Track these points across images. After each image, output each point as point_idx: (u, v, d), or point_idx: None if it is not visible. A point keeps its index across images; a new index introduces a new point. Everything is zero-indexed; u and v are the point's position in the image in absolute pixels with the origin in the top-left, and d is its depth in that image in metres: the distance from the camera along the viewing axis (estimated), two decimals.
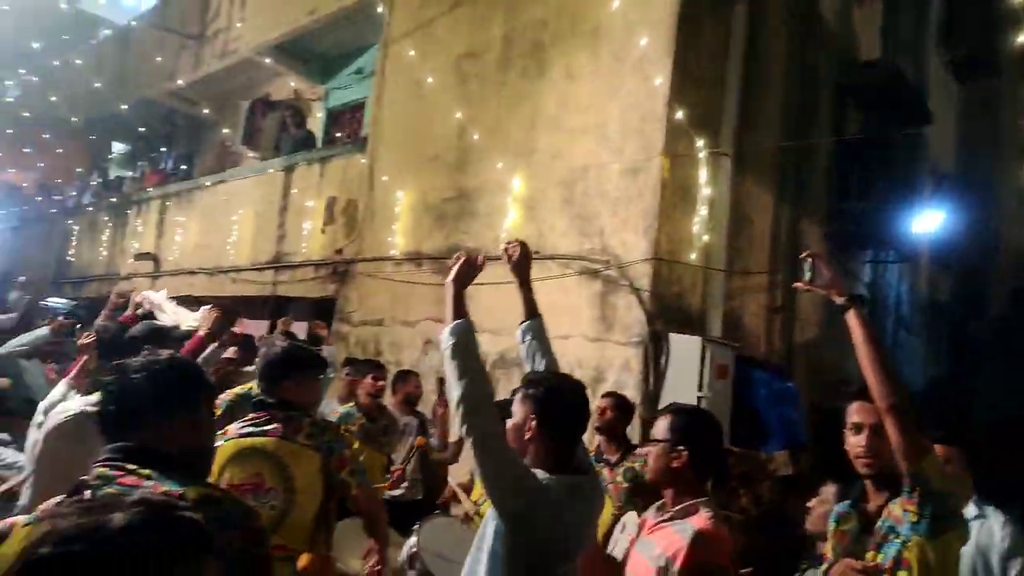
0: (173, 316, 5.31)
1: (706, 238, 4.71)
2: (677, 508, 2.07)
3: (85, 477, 1.39)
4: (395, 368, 6.01)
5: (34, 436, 3.17)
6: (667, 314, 4.66)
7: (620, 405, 3.96)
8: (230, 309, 5.27)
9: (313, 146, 8.26)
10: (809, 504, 2.69)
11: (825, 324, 5.97)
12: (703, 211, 4.68)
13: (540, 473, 1.99)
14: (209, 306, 5.11)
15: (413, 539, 3.50)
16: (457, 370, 1.94)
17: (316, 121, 9.21)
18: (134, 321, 5.36)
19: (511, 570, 1.95)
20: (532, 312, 2.45)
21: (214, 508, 1.34)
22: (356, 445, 4.15)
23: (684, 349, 4.50)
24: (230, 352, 4.21)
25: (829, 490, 2.64)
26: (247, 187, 8.70)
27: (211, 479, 2.51)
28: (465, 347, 1.98)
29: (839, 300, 2.02)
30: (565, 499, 1.97)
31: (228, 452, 2.61)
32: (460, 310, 2.10)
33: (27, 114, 11.36)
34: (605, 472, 3.78)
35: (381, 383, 4.83)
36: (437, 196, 6.20)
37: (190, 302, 7.62)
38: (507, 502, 1.91)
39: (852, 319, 1.98)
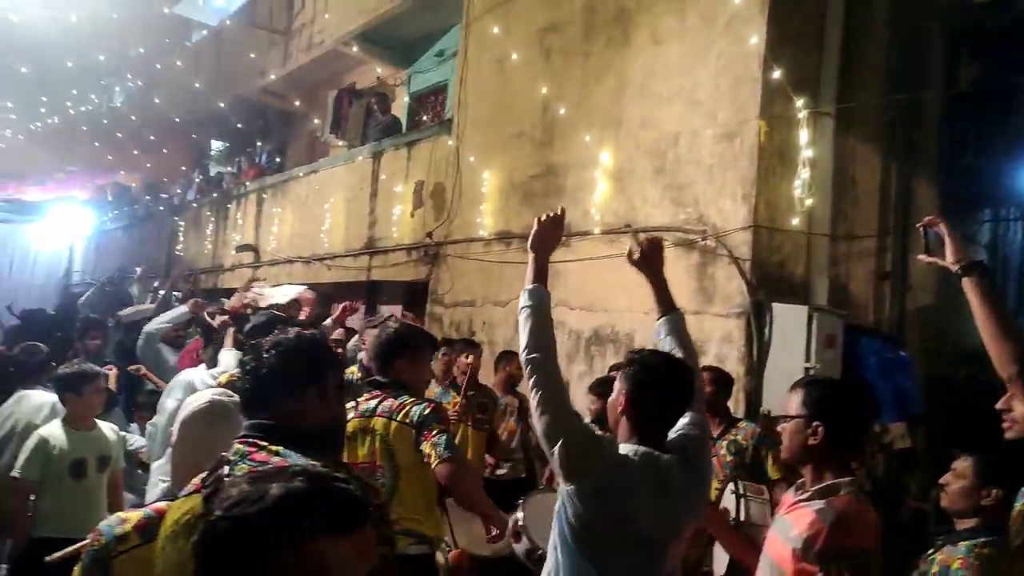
0: (277, 294, 5.59)
1: (809, 202, 4.48)
2: (816, 488, 1.96)
3: (225, 453, 1.46)
4: (488, 347, 6.07)
5: (172, 404, 3.45)
6: (769, 283, 4.48)
7: (718, 378, 3.87)
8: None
9: (399, 131, 8.38)
10: (942, 480, 2.52)
11: (941, 289, 5.59)
12: (804, 174, 4.45)
13: (625, 447, 2.02)
14: (305, 287, 5.34)
15: (519, 513, 3.53)
16: (528, 328, 2.09)
17: (400, 106, 9.34)
18: (236, 312, 5.64)
19: (575, 533, 1.96)
20: (667, 307, 2.37)
21: None
22: (452, 423, 4.25)
23: (789, 319, 4.32)
24: (337, 333, 4.39)
25: (965, 464, 2.46)
26: (338, 175, 8.94)
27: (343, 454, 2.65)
28: (538, 310, 2.11)
29: (955, 268, 1.94)
30: (635, 471, 1.96)
31: (347, 431, 2.70)
32: (539, 275, 2.18)
33: (134, 118, 12.04)
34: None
35: (475, 361, 4.89)
36: (524, 174, 6.18)
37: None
38: (560, 451, 1.95)
39: (968, 286, 1.91)
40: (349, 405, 2.82)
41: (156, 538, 1.60)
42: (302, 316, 4.68)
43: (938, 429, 5.06)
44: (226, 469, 1.42)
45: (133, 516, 1.70)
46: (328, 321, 4.54)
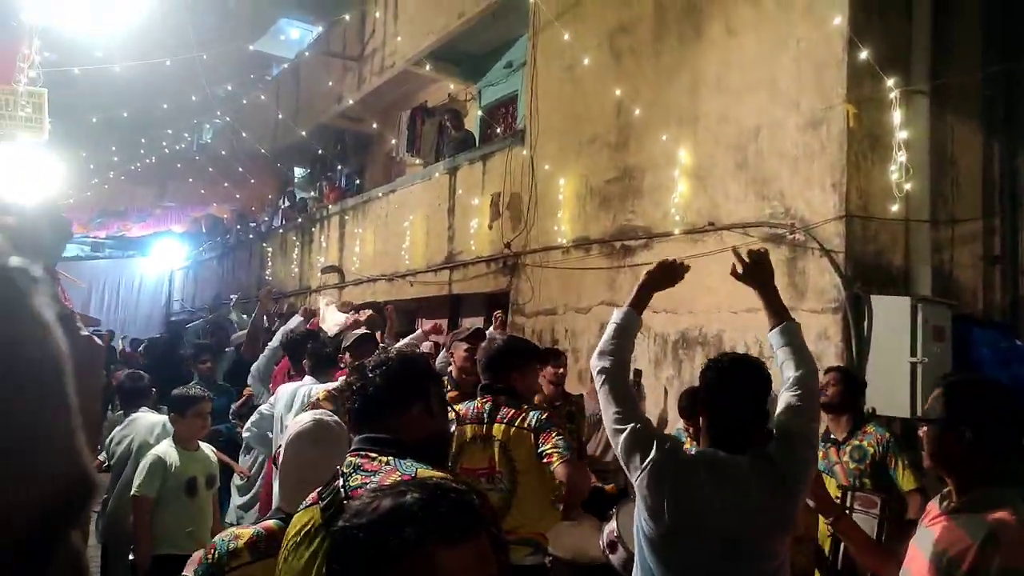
0: (329, 319, 5.76)
1: (906, 187, 4.24)
2: (963, 499, 1.75)
3: (340, 466, 1.52)
4: (572, 355, 6.01)
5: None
6: (866, 275, 4.26)
7: (843, 379, 3.67)
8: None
9: (473, 145, 8.48)
10: None
11: None
12: (900, 158, 4.22)
13: (692, 449, 2.16)
14: (352, 311, 5.50)
15: (612, 524, 3.47)
16: (609, 340, 2.26)
17: (472, 120, 9.45)
18: (314, 327, 5.79)
19: (649, 529, 2.05)
20: (777, 319, 2.29)
21: None
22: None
23: (890, 312, 4.09)
24: (426, 347, 4.52)
25: None
26: (415, 193, 9.12)
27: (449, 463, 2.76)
28: (624, 330, 2.28)
29: None
30: (697, 468, 2.03)
31: (463, 438, 2.88)
32: (638, 302, 2.32)
33: (223, 152, 12.68)
34: (832, 452, 3.57)
35: (561, 370, 4.85)
36: (600, 179, 6.12)
37: (376, 309, 8.13)
38: (625, 440, 2.09)
39: None
40: (463, 408, 2.95)
41: (265, 556, 1.69)
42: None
43: None
44: (340, 481, 1.49)
45: (245, 533, 1.78)
46: (408, 339, 4.71)
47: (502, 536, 1.46)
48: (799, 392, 2.11)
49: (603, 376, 2.21)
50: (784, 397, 2.14)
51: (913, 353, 4.00)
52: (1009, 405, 1.80)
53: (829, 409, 3.62)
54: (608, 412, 2.17)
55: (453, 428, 2.85)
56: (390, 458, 1.52)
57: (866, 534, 2.33)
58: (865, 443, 3.55)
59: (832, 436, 3.66)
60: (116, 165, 12.56)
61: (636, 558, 2.14)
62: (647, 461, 2.05)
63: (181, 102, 10.43)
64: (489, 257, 7.41)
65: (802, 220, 4.46)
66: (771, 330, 2.27)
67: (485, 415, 2.94)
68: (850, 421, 3.65)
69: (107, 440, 4.54)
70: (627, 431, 2.10)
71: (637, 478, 2.08)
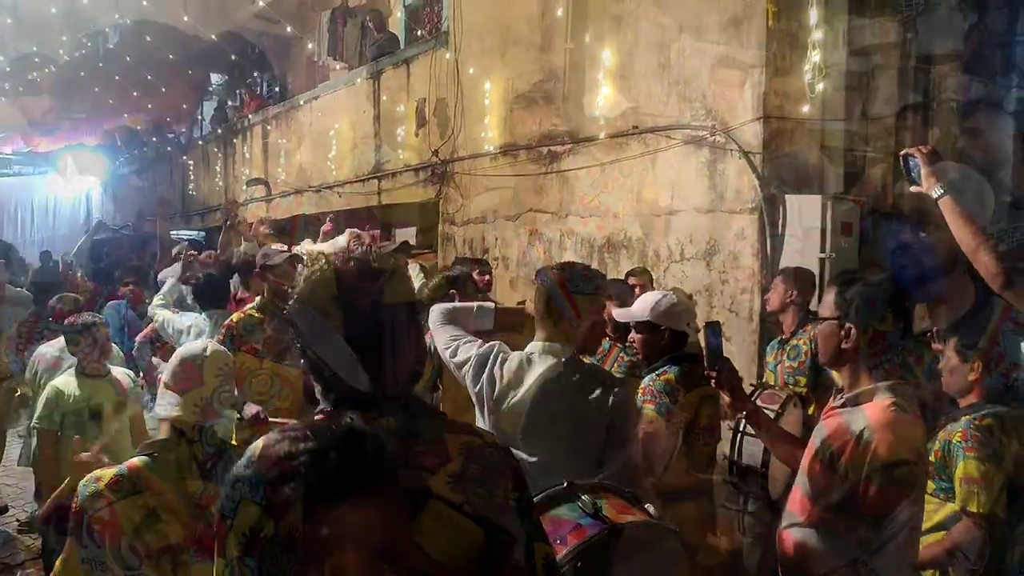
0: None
1: (820, 87, 4.28)
2: (851, 394, 1.81)
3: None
4: (502, 263, 6.05)
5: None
6: (782, 175, 4.36)
7: (783, 281, 3.65)
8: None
9: (396, 48, 8.11)
10: (940, 366, 2.53)
11: (964, 163, 5.39)
12: (815, 57, 4.23)
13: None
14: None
15: None
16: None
17: (396, 22, 9.01)
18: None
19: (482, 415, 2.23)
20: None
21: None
22: None
23: (803, 210, 4.22)
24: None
25: (948, 345, 2.49)
26: (339, 100, 8.75)
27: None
28: (478, 316, 2.45)
29: (933, 194, 2.11)
30: (520, 369, 2.16)
31: None
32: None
33: (129, 58, 11.79)
34: (779, 352, 3.63)
35: (487, 278, 4.88)
36: (526, 81, 5.98)
37: (305, 221, 7.94)
38: (464, 369, 2.24)
39: (945, 208, 2.07)
40: None
41: (129, 495, 1.70)
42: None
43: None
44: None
45: (107, 475, 1.77)
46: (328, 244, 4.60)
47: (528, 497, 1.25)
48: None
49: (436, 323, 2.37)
50: None
51: (823, 249, 4.16)
52: (894, 301, 1.84)
53: (778, 310, 3.66)
54: (438, 341, 2.33)
55: None
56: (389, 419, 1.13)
57: (779, 427, 2.44)
58: (801, 342, 3.51)
59: (781, 337, 3.67)
60: (9, 76, 11.58)
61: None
62: (484, 373, 2.18)
63: (74, 5, 9.57)
64: (418, 166, 7.26)
65: (722, 122, 4.48)
66: None
67: None
68: (795, 320, 3.59)
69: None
70: (464, 357, 2.23)
71: (476, 387, 2.21)
